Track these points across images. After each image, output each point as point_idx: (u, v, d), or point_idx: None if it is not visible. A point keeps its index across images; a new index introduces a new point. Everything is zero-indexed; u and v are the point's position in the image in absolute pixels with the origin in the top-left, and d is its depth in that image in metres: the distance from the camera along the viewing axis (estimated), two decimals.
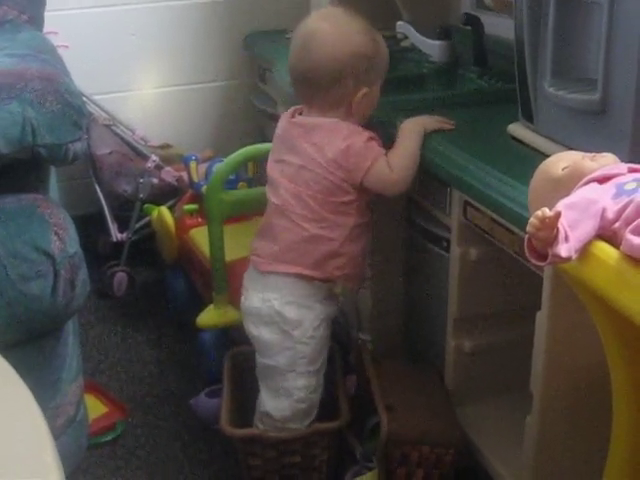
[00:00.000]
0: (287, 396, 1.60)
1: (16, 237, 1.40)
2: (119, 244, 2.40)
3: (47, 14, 1.96)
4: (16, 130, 1.39)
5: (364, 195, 1.56)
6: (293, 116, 1.60)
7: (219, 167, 1.91)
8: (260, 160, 2.13)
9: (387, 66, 1.59)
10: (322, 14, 1.59)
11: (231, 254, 1.92)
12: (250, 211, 2.02)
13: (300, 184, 1.54)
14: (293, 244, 1.55)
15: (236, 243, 1.93)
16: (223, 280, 1.93)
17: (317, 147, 1.53)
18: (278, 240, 1.57)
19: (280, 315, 1.57)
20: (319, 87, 1.53)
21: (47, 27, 1.99)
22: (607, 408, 1.12)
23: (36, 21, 1.90)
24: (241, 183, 2.17)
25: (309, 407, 1.62)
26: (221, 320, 1.95)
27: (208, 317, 1.95)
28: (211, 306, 1.96)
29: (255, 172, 2.21)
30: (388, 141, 1.57)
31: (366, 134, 1.54)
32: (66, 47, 2.21)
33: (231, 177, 2.12)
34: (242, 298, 1.65)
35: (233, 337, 1.95)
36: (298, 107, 1.62)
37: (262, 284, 1.60)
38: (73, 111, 1.46)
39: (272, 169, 1.61)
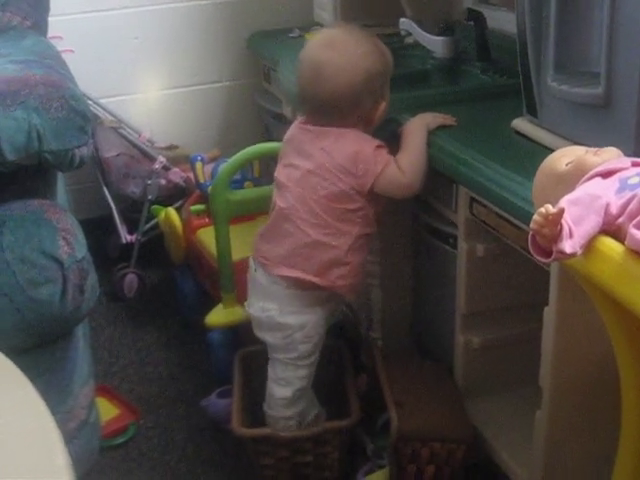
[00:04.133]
0: (288, 385, 1.63)
1: (24, 243, 1.40)
2: (129, 246, 2.40)
3: (51, 19, 1.97)
4: (22, 137, 1.39)
5: (371, 205, 1.55)
6: (305, 123, 1.59)
7: (223, 167, 1.91)
8: (266, 159, 2.14)
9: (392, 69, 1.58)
10: (325, 41, 1.55)
11: (238, 253, 1.92)
12: (256, 210, 2.02)
13: (306, 188, 1.54)
14: (297, 249, 1.55)
15: (243, 242, 1.93)
16: (230, 279, 1.94)
17: (325, 152, 1.52)
18: (284, 244, 1.57)
19: (280, 324, 1.59)
20: (338, 114, 1.52)
21: (52, 32, 1.99)
22: (616, 401, 1.12)
23: (40, 26, 1.90)
24: (247, 182, 2.18)
25: (306, 392, 1.65)
26: (229, 319, 1.95)
27: (217, 316, 1.96)
28: (220, 305, 1.97)
29: (261, 171, 2.22)
30: (391, 138, 1.57)
31: (375, 142, 1.54)
32: (71, 51, 2.23)
33: (237, 177, 2.13)
34: (246, 302, 1.68)
35: (242, 336, 1.95)
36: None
37: (262, 292, 1.61)
38: (78, 116, 1.46)
39: (280, 173, 1.61)
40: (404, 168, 1.53)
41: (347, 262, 1.56)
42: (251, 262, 1.66)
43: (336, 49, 1.51)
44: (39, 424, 0.92)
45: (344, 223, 1.54)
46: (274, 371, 1.65)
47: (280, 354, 1.63)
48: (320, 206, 1.53)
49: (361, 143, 1.52)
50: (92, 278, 1.50)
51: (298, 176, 1.55)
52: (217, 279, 1.99)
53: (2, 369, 1.03)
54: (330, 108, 1.52)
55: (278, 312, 1.59)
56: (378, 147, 1.54)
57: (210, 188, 1.97)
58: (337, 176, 1.52)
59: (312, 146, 1.55)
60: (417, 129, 1.55)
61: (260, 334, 1.65)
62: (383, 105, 1.55)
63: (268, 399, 1.67)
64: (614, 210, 0.95)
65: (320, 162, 1.53)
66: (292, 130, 1.62)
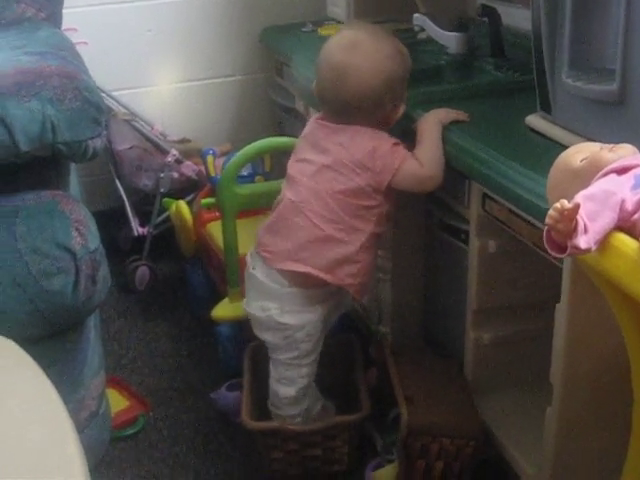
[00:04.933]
0: (290, 384, 1.62)
1: (37, 234, 1.41)
2: (140, 238, 2.41)
3: (66, 11, 1.98)
4: (36, 127, 1.40)
5: (386, 202, 1.55)
6: (322, 119, 1.59)
7: (231, 161, 1.91)
8: (277, 154, 2.14)
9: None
10: (347, 43, 1.53)
11: (245, 248, 1.91)
12: (264, 205, 2.01)
13: (321, 183, 1.53)
14: (307, 243, 1.53)
15: (250, 237, 1.93)
16: (236, 273, 1.93)
17: (343, 147, 1.52)
18: (292, 238, 1.55)
19: (281, 324, 1.58)
20: (358, 116, 1.52)
21: (66, 24, 2.00)
22: (628, 398, 1.12)
23: (54, 18, 1.91)
24: (258, 177, 2.18)
25: (308, 390, 1.64)
26: (236, 313, 1.94)
27: (223, 310, 1.96)
28: (226, 299, 1.97)
29: (272, 166, 2.22)
30: (404, 134, 1.57)
31: (392, 140, 1.54)
32: (85, 44, 2.23)
33: (249, 171, 2.13)
34: (244, 300, 1.67)
35: (248, 331, 1.95)
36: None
37: (261, 290, 1.59)
38: (92, 108, 1.47)
39: (292, 167, 1.60)
40: (423, 161, 1.52)
41: (358, 260, 1.54)
42: (249, 259, 1.64)
43: (359, 51, 1.51)
44: (52, 412, 0.93)
45: (358, 220, 1.53)
46: (276, 370, 1.64)
47: (281, 354, 1.61)
48: (336, 201, 1.52)
49: (378, 140, 1.52)
50: (104, 269, 1.51)
51: (313, 170, 1.54)
52: (225, 273, 1.99)
53: (16, 358, 1.04)
54: (351, 110, 1.52)
55: (279, 311, 1.57)
56: (395, 144, 1.53)
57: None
58: (355, 171, 1.51)
59: (328, 141, 1.54)
60: (432, 124, 1.54)
61: (259, 333, 1.64)
62: (402, 107, 1.56)
63: (272, 398, 1.66)
64: (629, 206, 0.95)
65: (337, 157, 1.52)
66: (309, 126, 1.62)
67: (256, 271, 1.61)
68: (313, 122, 1.61)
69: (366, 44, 1.52)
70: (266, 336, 1.63)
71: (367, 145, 1.51)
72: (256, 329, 1.65)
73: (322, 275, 1.53)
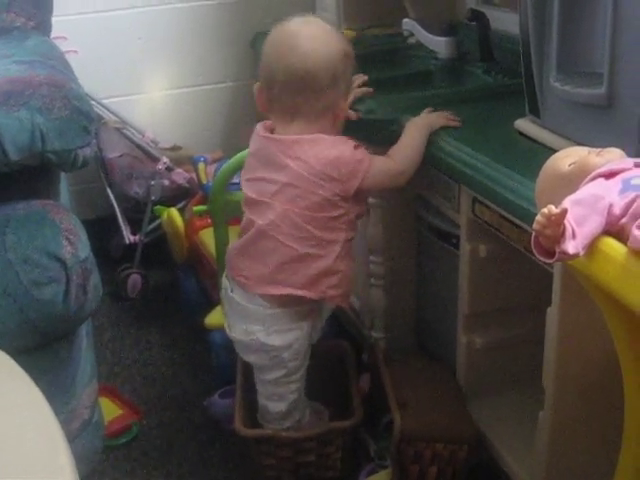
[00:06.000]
0: (281, 400, 1.61)
1: (27, 243, 1.41)
2: (132, 246, 2.41)
3: (55, 19, 1.97)
4: (25, 137, 1.40)
5: (354, 207, 1.51)
6: (267, 132, 1.54)
7: (222, 168, 1.91)
8: None
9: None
10: (299, 20, 1.50)
11: None
12: None
13: (285, 202, 1.47)
14: (282, 265, 1.49)
15: None
16: None
17: (302, 161, 1.46)
18: (266, 261, 1.50)
19: (267, 345, 1.55)
20: (314, 90, 1.46)
21: (56, 32, 2.00)
22: (620, 402, 1.12)
23: (43, 27, 1.91)
24: None
25: (299, 402, 1.63)
26: None
27: (215, 317, 1.96)
28: (219, 307, 1.97)
29: None
30: (392, 140, 1.57)
31: (351, 142, 1.49)
32: (75, 52, 2.23)
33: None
34: (225, 324, 1.64)
35: None
36: (268, 122, 1.55)
37: (243, 313, 1.56)
38: (81, 116, 1.46)
39: (247, 188, 1.54)
40: (394, 156, 1.52)
41: (337, 270, 1.51)
42: (225, 282, 1.61)
43: (311, 25, 1.50)
44: (43, 423, 0.93)
45: (328, 231, 1.49)
46: (265, 388, 1.62)
47: (268, 374, 1.59)
48: (303, 218, 1.47)
49: (339, 146, 1.48)
50: (95, 278, 1.51)
51: (274, 190, 1.49)
52: (217, 280, 1.99)
53: (6, 369, 1.04)
54: (309, 83, 1.45)
55: (264, 334, 1.54)
56: (356, 147, 1.50)
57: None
58: (318, 184, 1.46)
59: (285, 157, 1.48)
60: (417, 126, 1.54)
61: (245, 356, 1.62)
62: (350, 98, 1.53)
63: (263, 413, 1.65)
64: (617, 211, 0.95)
65: (297, 172, 1.46)
66: (256, 142, 1.55)
67: (235, 294, 1.57)
68: (261, 138, 1.53)
69: (318, 21, 1.53)
70: (252, 358, 1.60)
71: (329, 155, 1.46)
72: (241, 352, 1.63)
73: (303, 293, 1.50)
